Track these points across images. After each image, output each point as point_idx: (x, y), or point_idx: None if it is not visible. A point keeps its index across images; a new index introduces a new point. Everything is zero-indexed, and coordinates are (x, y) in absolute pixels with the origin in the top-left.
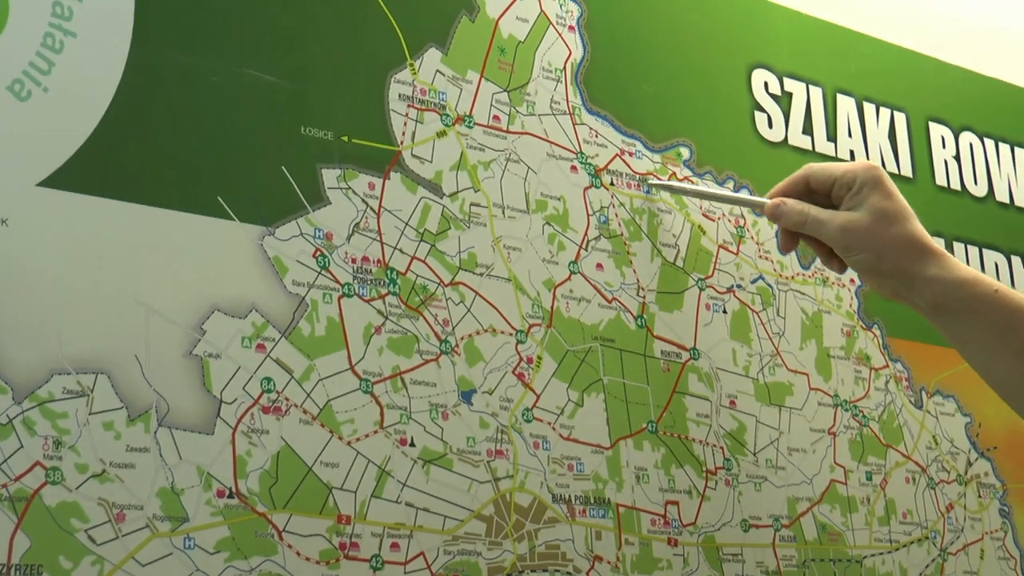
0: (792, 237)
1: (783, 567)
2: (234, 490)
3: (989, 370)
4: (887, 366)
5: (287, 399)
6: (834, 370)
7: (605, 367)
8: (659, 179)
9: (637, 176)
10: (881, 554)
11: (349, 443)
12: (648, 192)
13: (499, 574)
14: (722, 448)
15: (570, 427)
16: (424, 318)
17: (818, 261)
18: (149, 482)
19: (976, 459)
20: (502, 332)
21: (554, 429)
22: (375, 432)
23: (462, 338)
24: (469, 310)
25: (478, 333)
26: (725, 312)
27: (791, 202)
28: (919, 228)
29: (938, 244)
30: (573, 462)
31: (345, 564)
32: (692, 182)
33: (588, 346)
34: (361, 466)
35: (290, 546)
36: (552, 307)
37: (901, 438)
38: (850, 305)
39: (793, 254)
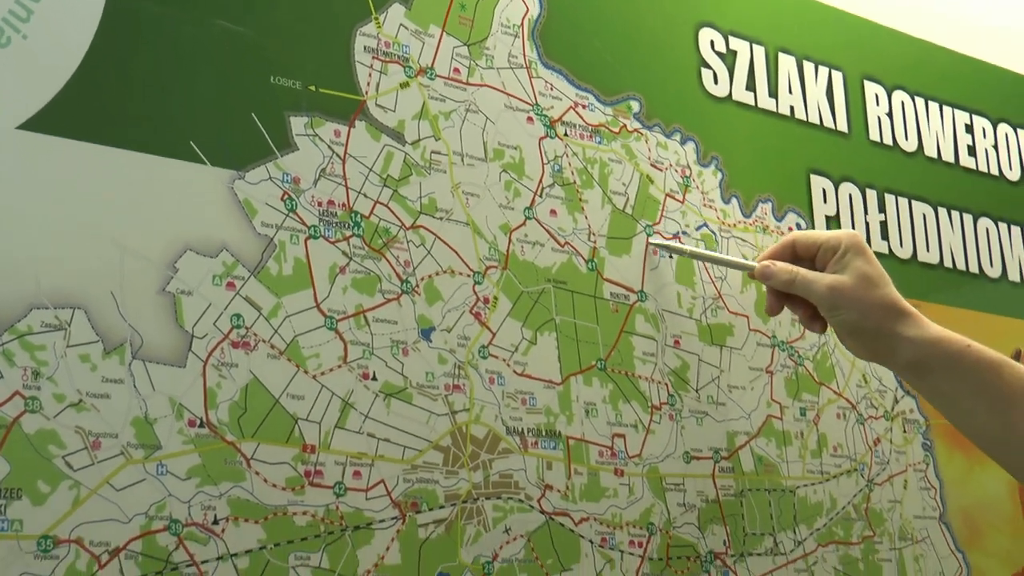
0: (779, 298)
1: (722, 496)
2: (205, 420)
3: (967, 422)
4: None
5: (255, 335)
6: None
7: (557, 307)
8: (663, 238)
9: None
10: (813, 484)
11: (314, 377)
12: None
13: (455, 501)
14: (666, 385)
15: (524, 363)
16: (386, 259)
17: (759, 210)
18: (123, 412)
19: (902, 397)
20: (460, 273)
21: (508, 365)
22: (339, 367)
23: (422, 279)
24: (429, 252)
25: (437, 274)
26: (671, 257)
27: (780, 264)
28: (896, 292)
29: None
30: (526, 397)
31: (310, 491)
32: (680, 240)
33: (541, 287)
34: (325, 399)
35: (258, 473)
36: (508, 250)
37: (833, 377)
38: None
39: (735, 202)
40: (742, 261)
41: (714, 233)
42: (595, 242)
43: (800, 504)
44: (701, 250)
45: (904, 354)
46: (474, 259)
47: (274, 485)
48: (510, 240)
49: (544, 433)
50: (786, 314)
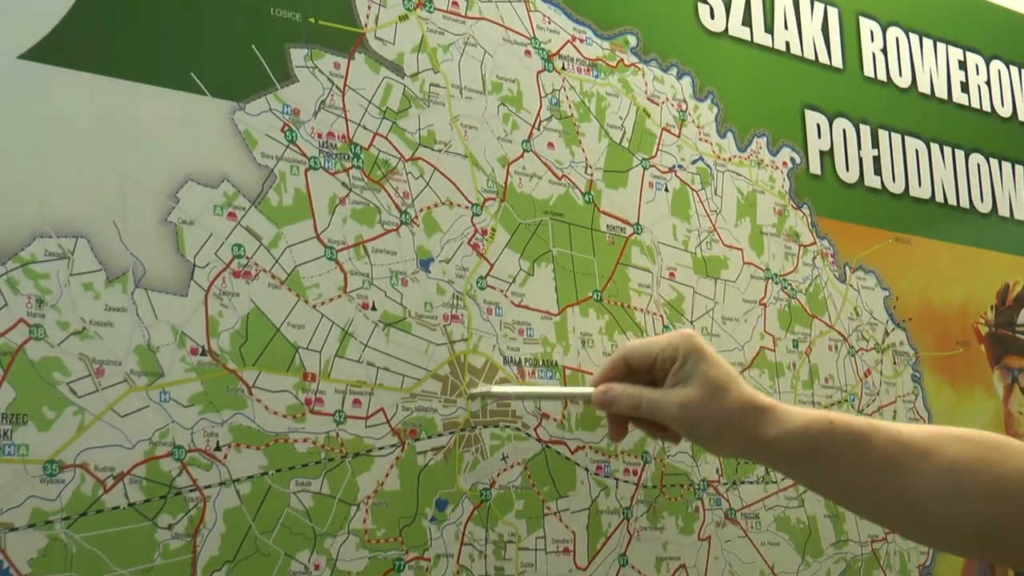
0: (622, 422)
1: None
2: (207, 348)
3: (860, 501)
4: (815, 243)
5: (256, 264)
6: (766, 246)
7: (554, 239)
8: (483, 388)
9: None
10: None
11: (315, 306)
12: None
13: (453, 429)
14: (662, 316)
15: (521, 295)
16: (385, 191)
17: (753, 144)
18: (127, 340)
19: (893, 329)
20: (458, 205)
21: (506, 296)
22: (339, 296)
23: (421, 210)
24: (428, 184)
25: (436, 206)
26: (667, 190)
27: (619, 387)
28: (748, 388)
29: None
30: (523, 327)
31: (310, 418)
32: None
33: (539, 219)
34: (326, 328)
35: (259, 401)
36: (506, 182)
37: (825, 309)
38: (782, 186)
39: (730, 136)
40: (576, 390)
41: (709, 167)
42: (592, 175)
43: None
44: (526, 389)
45: (774, 453)
46: (472, 191)
47: (275, 412)
48: (508, 172)
49: (541, 363)
50: (779, 247)
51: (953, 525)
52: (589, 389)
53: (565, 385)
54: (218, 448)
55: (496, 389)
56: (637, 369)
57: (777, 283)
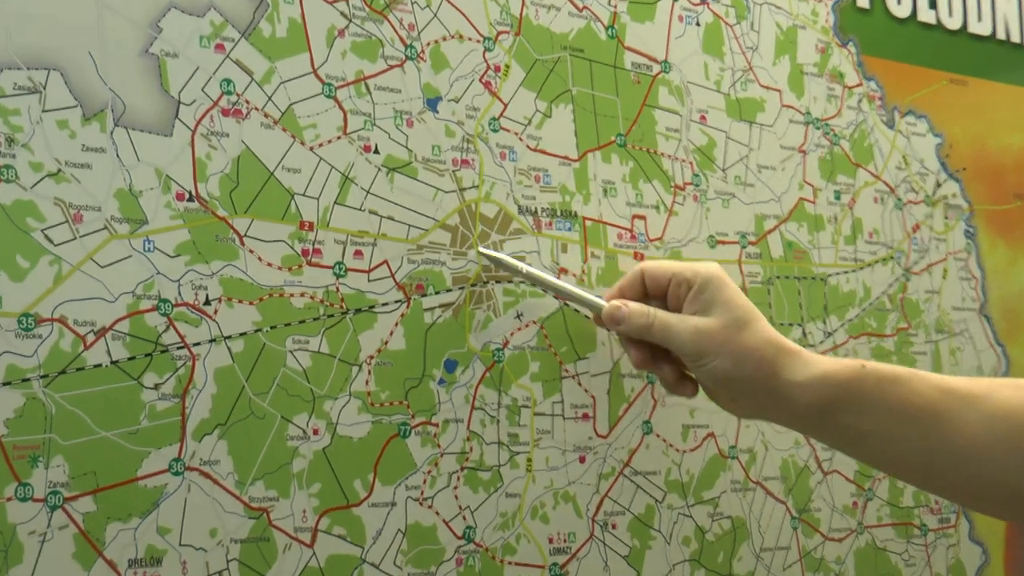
0: (640, 348)
1: (748, 283)
2: (194, 193)
3: (889, 455)
4: (860, 84)
5: (247, 102)
6: (807, 87)
7: (574, 77)
8: (493, 252)
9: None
10: (845, 272)
11: (311, 148)
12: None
13: (463, 284)
14: (691, 163)
15: (537, 138)
16: (389, 22)
17: None
18: (106, 183)
19: (945, 180)
20: (469, 39)
21: (521, 139)
22: (338, 138)
23: (428, 44)
24: (435, 15)
25: (444, 39)
26: (698, 24)
27: (634, 304)
28: (772, 329)
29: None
30: (540, 173)
31: (308, 270)
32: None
33: (557, 56)
34: (324, 172)
35: (252, 251)
36: (521, 14)
37: (871, 157)
38: (826, 20)
39: None
40: (586, 295)
41: None
42: (615, 6)
43: (831, 293)
44: (538, 273)
45: (797, 401)
46: (484, 23)
47: (269, 264)
48: (523, 3)
49: (559, 213)
50: (821, 88)
51: (1003, 481)
52: (601, 301)
53: (580, 283)
54: (207, 302)
55: (507, 259)
56: (652, 292)
57: (818, 128)
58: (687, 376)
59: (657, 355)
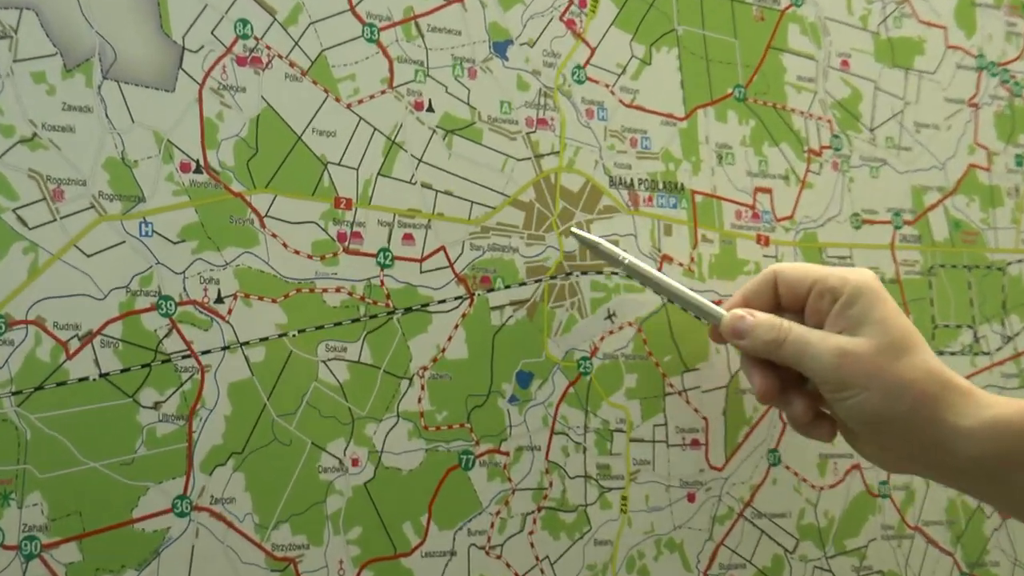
0: (767, 373)
1: (903, 273)
2: (202, 163)
3: None
4: None
5: (268, 48)
6: (979, 22)
7: (680, 14)
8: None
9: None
10: None
11: (349, 106)
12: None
13: (540, 276)
14: (829, 122)
15: (634, 91)
16: None
17: None
18: (93, 150)
19: None
20: None
21: (613, 93)
22: (382, 93)
23: None
24: None
25: None
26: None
27: (761, 315)
28: (935, 358)
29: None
30: (637, 136)
31: (344, 260)
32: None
33: None
34: (365, 136)
35: (275, 235)
36: None
37: None
38: None
39: None
40: (704, 303)
41: None
42: None
43: (1012, 286)
44: (642, 266)
45: (960, 452)
46: None
47: (297, 252)
48: None
49: (661, 186)
50: (998, 24)
51: None
52: (720, 310)
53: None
54: (220, 300)
55: (605, 245)
56: (786, 300)
57: (995, 75)
58: (824, 414)
59: (788, 384)
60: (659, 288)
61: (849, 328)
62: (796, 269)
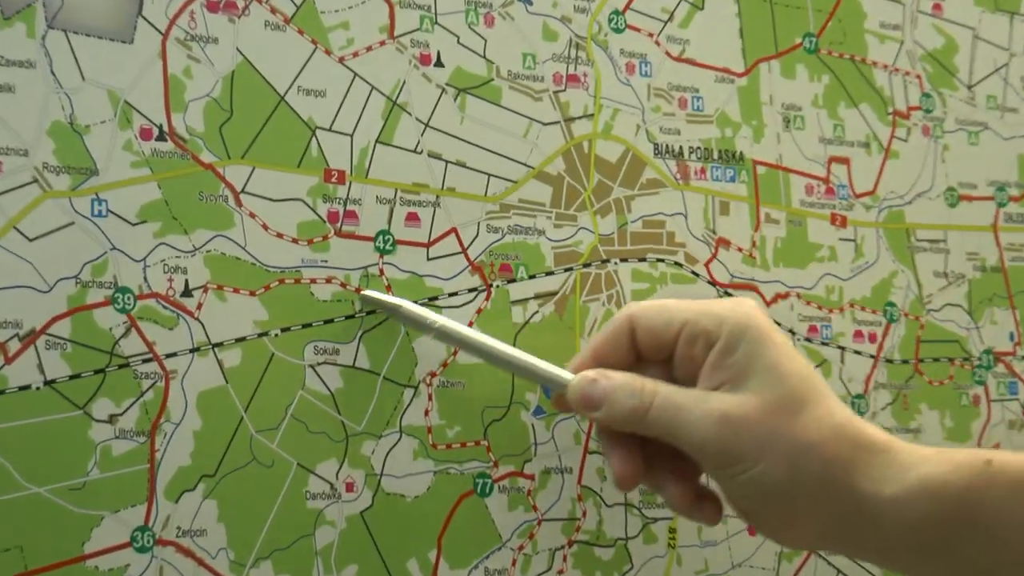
0: (629, 450)
1: (1008, 260)
2: (166, 129)
3: None
4: None
5: None
6: None
7: None
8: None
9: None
10: None
11: (342, 60)
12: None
13: (572, 264)
14: (919, 77)
15: (683, 41)
16: None
17: None
18: (36, 114)
19: None
20: None
21: (658, 44)
22: (381, 44)
23: None
24: None
25: None
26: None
27: (617, 376)
28: (843, 407)
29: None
30: (687, 95)
31: (336, 244)
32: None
33: None
34: (360, 96)
35: (253, 216)
36: None
37: None
38: None
39: None
40: (547, 370)
41: None
42: None
43: None
44: (470, 334)
45: (887, 525)
46: None
47: (280, 235)
48: None
49: (717, 155)
50: None
51: None
52: (565, 374)
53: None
54: (188, 292)
55: (408, 306)
56: (647, 349)
57: None
58: (707, 493)
59: (656, 461)
60: (485, 355)
61: (731, 381)
62: (658, 311)
